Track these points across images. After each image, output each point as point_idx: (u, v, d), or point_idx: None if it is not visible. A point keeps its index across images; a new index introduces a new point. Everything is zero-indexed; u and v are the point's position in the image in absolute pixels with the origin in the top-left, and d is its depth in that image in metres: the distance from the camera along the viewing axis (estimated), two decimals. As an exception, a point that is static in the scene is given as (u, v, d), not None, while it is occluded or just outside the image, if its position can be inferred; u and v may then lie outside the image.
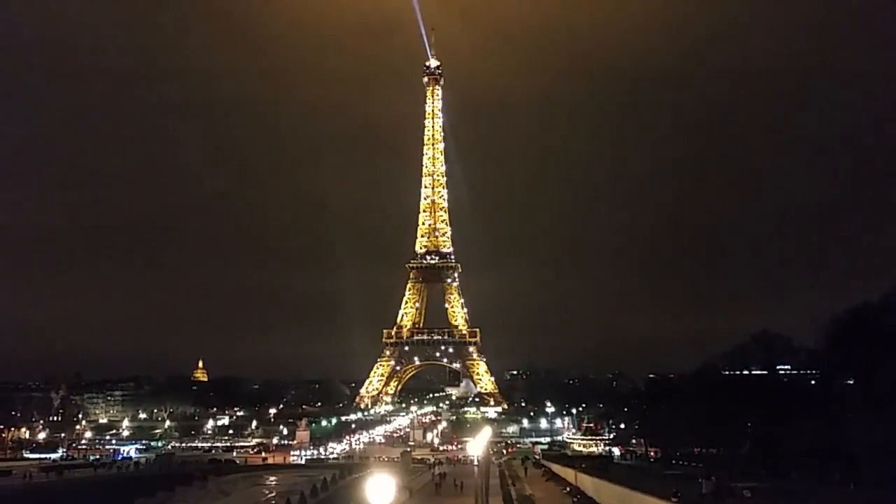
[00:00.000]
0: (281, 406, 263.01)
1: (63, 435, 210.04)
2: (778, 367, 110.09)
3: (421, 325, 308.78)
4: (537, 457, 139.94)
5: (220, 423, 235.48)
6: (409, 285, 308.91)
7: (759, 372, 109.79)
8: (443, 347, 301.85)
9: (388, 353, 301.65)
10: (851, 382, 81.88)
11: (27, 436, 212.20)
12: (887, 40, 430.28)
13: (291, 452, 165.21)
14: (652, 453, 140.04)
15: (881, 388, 68.56)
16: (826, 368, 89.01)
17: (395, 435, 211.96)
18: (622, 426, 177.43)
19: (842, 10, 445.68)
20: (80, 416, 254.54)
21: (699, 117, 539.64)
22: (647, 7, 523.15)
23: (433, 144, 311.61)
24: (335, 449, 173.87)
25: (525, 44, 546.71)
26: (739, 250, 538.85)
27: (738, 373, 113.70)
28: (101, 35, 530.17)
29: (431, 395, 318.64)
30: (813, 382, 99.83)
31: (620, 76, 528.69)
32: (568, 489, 73.98)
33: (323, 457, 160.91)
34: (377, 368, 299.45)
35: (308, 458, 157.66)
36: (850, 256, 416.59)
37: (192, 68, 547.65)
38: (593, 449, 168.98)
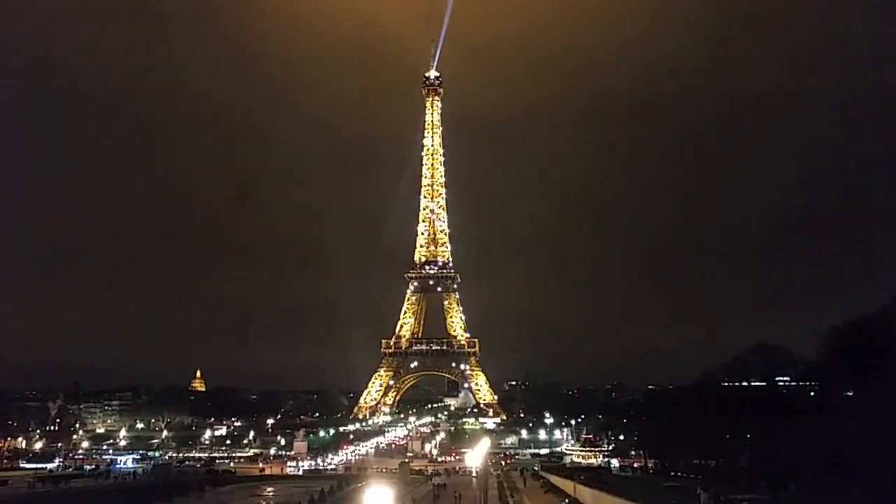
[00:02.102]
0: (279, 416, 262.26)
1: (60, 445, 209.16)
2: (777, 379, 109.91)
3: (420, 335, 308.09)
4: (536, 468, 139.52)
5: (217, 433, 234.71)
6: (407, 295, 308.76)
7: (758, 383, 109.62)
8: (441, 358, 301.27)
9: (386, 363, 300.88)
10: (851, 394, 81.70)
11: (23, 445, 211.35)
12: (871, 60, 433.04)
13: (289, 463, 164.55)
14: (651, 465, 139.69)
15: (881, 399, 68.41)
16: (825, 380, 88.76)
17: (393, 446, 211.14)
18: (621, 437, 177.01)
19: (826, 32, 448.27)
20: (77, 425, 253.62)
21: (696, 127, 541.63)
22: (635, 33, 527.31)
23: (432, 155, 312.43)
24: (333, 460, 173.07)
25: (514, 63, 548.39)
26: (739, 262, 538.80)
27: (737, 384, 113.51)
28: (103, 53, 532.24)
29: (430, 406, 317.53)
30: (812, 394, 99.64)
31: (613, 93, 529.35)
32: (566, 501, 73.64)
33: (321, 467, 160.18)
34: (375, 379, 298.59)
35: (305, 468, 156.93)
36: (849, 268, 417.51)
37: (192, 83, 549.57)
38: (592, 460, 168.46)
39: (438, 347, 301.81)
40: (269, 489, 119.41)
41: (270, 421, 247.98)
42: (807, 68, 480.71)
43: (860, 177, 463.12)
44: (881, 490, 58.28)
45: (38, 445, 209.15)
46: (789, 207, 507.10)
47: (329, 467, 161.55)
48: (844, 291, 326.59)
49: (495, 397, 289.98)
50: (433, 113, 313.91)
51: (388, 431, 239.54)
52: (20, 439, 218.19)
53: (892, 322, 71.14)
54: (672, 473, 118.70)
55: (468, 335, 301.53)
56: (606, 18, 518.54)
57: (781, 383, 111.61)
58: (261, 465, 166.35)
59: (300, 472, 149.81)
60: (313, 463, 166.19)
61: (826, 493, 68.17)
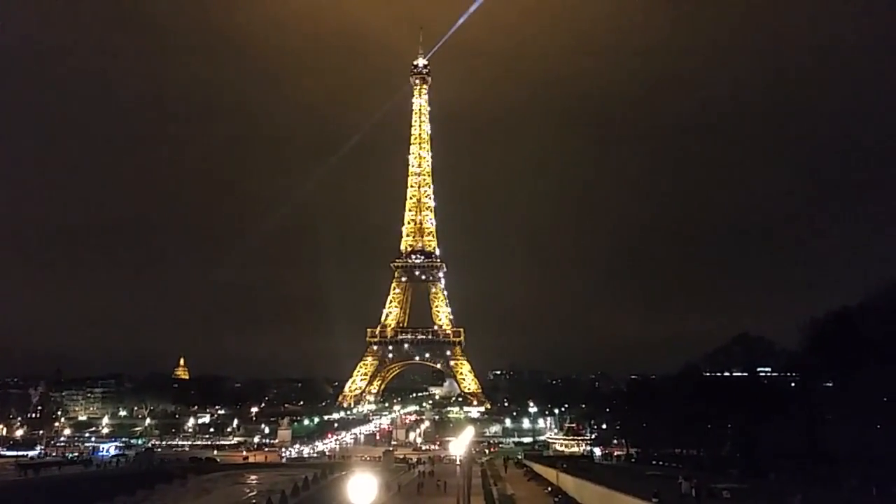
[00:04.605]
0: (263, 405, 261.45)
1: (41, 432, 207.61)
2: (758, 369, 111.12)
3: (405, 324, 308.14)
4: (519, 456, 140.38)
5: (201, 421, 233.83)
6: (393, 284, 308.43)
7: (739, 374, 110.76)
8: (427, 347, 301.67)
9: (371, 352, 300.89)
10: (830, 385, 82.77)
11: (4, 433, 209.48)
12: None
13: (279, 451, 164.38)
14: (633, 453, 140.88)
15: (859, 390, 69.35)
16: (806, 371, 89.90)
17: (377, 434, 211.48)
18: (604, 427, 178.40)
19: (824, 32, 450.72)
20: (60, 413, 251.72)
21: (684, 123, 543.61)
22: (628, 26, 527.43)
23: (420, 144, 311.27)
24: (317, 448, 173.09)
25: (500, 58, 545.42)
26: (721, 254, 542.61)
27: (719, 374, 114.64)
28: (93, 42, 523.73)
29: (415, 395, 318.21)
30: (793, 384, 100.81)
31: (602, 89, 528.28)
32: (549, 489, 74.26)
33: (305, 455, 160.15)
34: (360, 367, 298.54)
35: (290, 456, 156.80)
36: (830, 261, 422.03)
37: (178, 72, 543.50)
38: (575, 449, 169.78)
39: (424, 337, 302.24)
40: (253, 477, 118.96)
41: (254, 409, 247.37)
42: (800, 69, 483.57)
43: (843, 173, 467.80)
44: (866, 481, 59.01)
45: (20, 433, 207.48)
46: (774, 201, 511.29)
47: (313, 455, 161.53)
48: (825, 284, 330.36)
49: (480, 386, 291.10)
50: (421, 101, 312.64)
51: (373, 420, 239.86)
52: (1, 426, 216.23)
53: (871, 315, 72.07)
54: (654, 462, 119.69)
55: (453, 325, 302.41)
56: (600, 13, 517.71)
57: (763, 374, 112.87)
58: (244, 452, 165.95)
59: (284, 461, 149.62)
60: (297, 450, 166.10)
61: (805, 483, 69.05)
